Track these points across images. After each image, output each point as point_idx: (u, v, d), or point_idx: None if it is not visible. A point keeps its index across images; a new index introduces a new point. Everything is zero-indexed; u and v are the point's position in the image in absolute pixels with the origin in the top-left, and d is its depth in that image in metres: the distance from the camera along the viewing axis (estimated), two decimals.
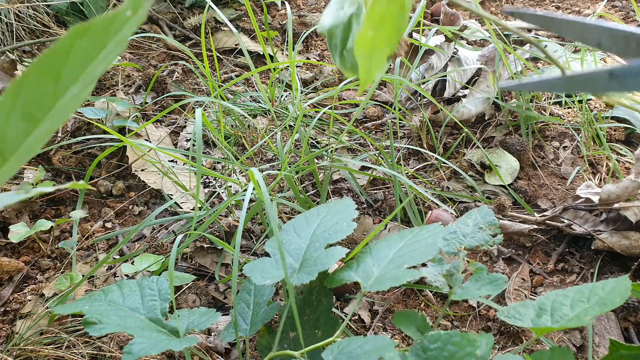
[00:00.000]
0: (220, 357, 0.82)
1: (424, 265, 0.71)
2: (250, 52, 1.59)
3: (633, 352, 0.61)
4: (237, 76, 1.53)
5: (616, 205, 0.96)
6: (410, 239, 0.70)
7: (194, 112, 1.37)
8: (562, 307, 0.59)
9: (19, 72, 1.30)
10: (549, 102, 1.35)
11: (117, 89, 1.42)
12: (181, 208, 1.10)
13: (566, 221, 1.01)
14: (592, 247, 0.97)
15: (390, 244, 0.71)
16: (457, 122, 1.23)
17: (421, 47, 1.22)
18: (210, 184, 1.18)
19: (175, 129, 1.34)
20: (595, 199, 1.00)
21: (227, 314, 0.89)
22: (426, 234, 0.70)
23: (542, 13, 0.38)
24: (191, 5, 1.82)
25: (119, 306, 0.68)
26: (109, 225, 1.08)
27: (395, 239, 0.72)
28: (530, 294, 0.94)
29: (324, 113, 1.26)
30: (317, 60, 1.64)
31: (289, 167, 1.04)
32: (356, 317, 0.89)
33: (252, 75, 1.40)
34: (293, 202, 1.05)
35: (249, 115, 1.28)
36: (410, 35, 1.48)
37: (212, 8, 1.24)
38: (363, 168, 1.20)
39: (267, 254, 0.72)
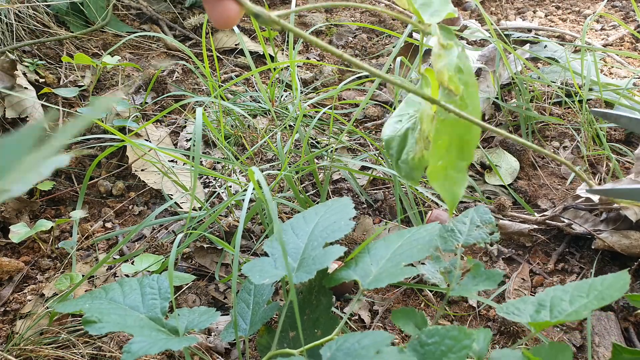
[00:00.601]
0: (220, 356, 0.82)
1: (422, 263, 0.71)
2: (250, 52, 1.59)
3: (636, 357, 0.61)
4: (237, 76, 1.53)
5: (616, 205, 0.96)
6: (408, 238, 0.71)
7: (194, 112, 1.37)
8: (561, 303, 0.60)
9: (19, 72, 1.30)
10: (549, 102, 1.35)
11: (117, 89, 1.42)
12: (181, 208, 1.10)
13: (566, 221, 1.01)
14: (593, 247, 0.97)
15: (388, 243, 0.71)
16: None
17: (421, 47, 1.22)
18: (210, 184, 1.18)
19: (175, 129, 1.34)
20: (596, 198, 1.00)
21: (227, 314, 0.89)
22: (423, 233, 0.70)
23: (626, 114, 0.40)
24: (191, 5, 1.82)
25: (119, 304, 0.68)
26: (109, 225, 1.08)
27: (393, 238, 0.72)
28: (530, 294, 0.93)
29: (324, 113, 1.26)
30: (317, 60, 1.64)
31: (289, 167, 1.04)
32: (356, 317, 0.89)
33: (252, 75, 1.40)
34: (293, 202, 1.05)
35: (249, 115, 1.28)
36: (410, 36, 1.48)
37: None
38: (363, 168, 1.20)
39: (266, 254, 0.72)
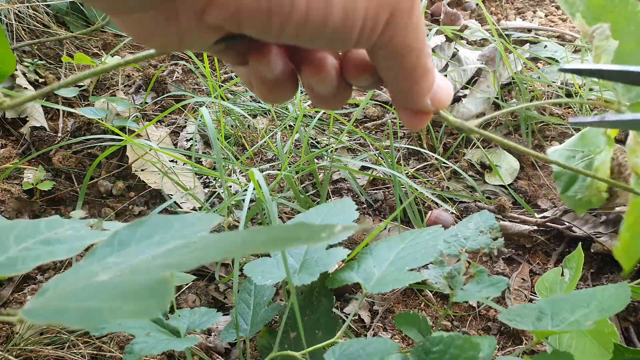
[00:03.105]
0: (220, 357, 0.82)
1: (425, 267, 0.71)
2: None
3: (637, 357, 0.61)
4: (237, 76, 1.53)
5: (617, 208, 0.96)
6: (411, 241, 0.71)
7: (194, 112, 1.37)
8: (562, 311, 0.60)
9: (19, 72, 1.30)
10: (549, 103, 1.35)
11: (117, 89, 1.42)
12: (181, 208, 1.10)
13: (566, 223, 1.01)
14: (592, 250, 0.97)
15: (391, 245, 0.71)
16: None
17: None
18: (210, 184, 1.18)
19: (175, 129, 1.34)
20: None
21: (227, 314, 0.89)
22: (427, 236, 0.70)
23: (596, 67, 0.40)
24: None
25: None
26: None
27: (396, 240, 0.72)
28: (530, 294, 0.94)
29: (324, 113, 1.26)
30: None
31: (289, 167, 1.04)
32: (356, 317, 0.89)
33: None
34: (293, 202, 1.05)
35: (249, 115, 1.28)
36: None
37: None
38: (363, 168, 1.20)
39: (267, 254, 0.72)
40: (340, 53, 0.34)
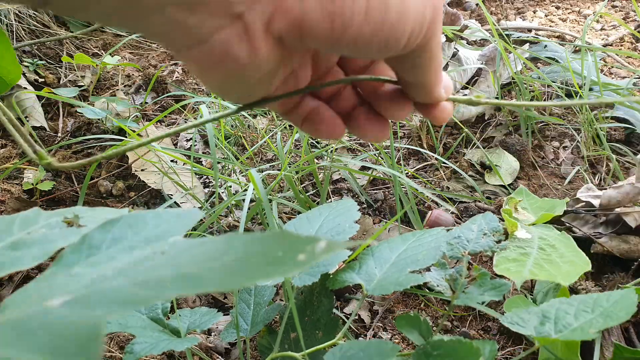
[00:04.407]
0: (220, 357, 0.82)
1: (427, 268, 0.71)
2: None
3: (637, 357, 0.61)
4: None
5: (617, 210, 0.96)
6: (413, 242, 0.70)
7: (194, 112, 1.37)
8: (565, 316, 0.59)
9: None
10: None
11: (117, 89, 1.42)
12: (181, 208, 1.10)
13: (566, 224, 1.01)
14: (591, 251, 0.97)
15: (392, 246, 0.71)
16: (457, 122, 1.23)
17: None
18: (211, 184, 1.18)
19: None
20: (596, 202, 1.00)
21: (227, 314, 0.89)
22: (429, 238, 0.70)
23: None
24: None
25: None
26: None
27: (398, 241, 0.71)
28: (530, 294, 0.94)
29: None
30: None
31: (289, 167, 1.04)
32: (356, 317, 0.89)
33: None
34: (293, 202, 1.05)
35: (249, 115, 1.28)
36: None
37: None
38: (363, 168, 1.20)
39: None
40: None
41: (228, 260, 0.24)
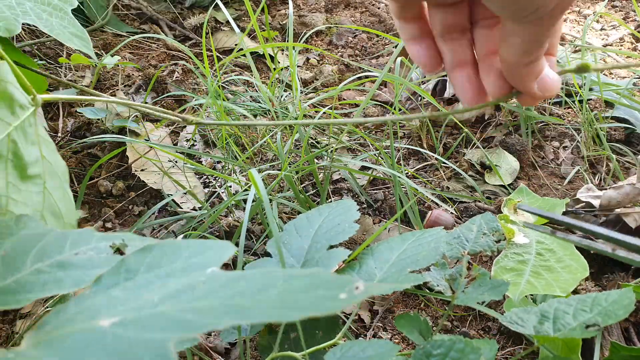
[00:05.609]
0: (220, 357, 0.82)
1: (427, 269, 0.71)
2: (250, 53, 1.59)
3: (633, 354, 0.61)
4: (237, 77, 1.53)
5: (617, 210, 0.96)
6: (413, 242, 0.70)
7: (194, 112, 1.37)
8: (564, 316, 0.59)
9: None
10: (549, 102, 1.35)
11: (117, 89, 1.42)
12: (181, 208, 1.09)
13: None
14: (591, 252, 0.97)
15: (392, 246, 0.71)
16: (457, 122, 1.23)
17: None
18: (211, 184, 1.18)
19: (175, 129, 1.34)
20: (596, 203, 1.00)
21: None
22: (429, 238, 0.70)
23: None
24: (191, 5, 1.82)
25: None
26: (109, 225, 1.08)
27: (397, 241, 0.71)
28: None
29: (324, 113, 1.26)
30: (317, 61, 1.64)
31: (289, 167, 1.04)
32: (356, 317, 0.89)
33: (252, 76, 1.40)
34: (293, 202, 1.05)
35: (249, 114, 1.28)
36: None
37: (216, 7, 1.24)
38: (363, 168, 1.20)
39: (268, 254, 0.72)
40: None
41: (274, 294, 0.27)
